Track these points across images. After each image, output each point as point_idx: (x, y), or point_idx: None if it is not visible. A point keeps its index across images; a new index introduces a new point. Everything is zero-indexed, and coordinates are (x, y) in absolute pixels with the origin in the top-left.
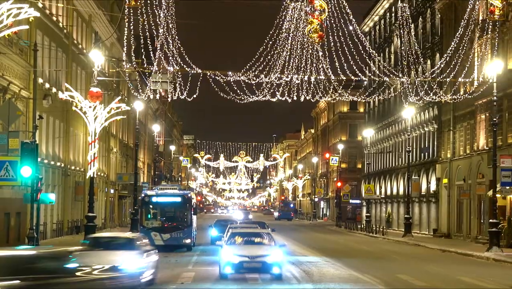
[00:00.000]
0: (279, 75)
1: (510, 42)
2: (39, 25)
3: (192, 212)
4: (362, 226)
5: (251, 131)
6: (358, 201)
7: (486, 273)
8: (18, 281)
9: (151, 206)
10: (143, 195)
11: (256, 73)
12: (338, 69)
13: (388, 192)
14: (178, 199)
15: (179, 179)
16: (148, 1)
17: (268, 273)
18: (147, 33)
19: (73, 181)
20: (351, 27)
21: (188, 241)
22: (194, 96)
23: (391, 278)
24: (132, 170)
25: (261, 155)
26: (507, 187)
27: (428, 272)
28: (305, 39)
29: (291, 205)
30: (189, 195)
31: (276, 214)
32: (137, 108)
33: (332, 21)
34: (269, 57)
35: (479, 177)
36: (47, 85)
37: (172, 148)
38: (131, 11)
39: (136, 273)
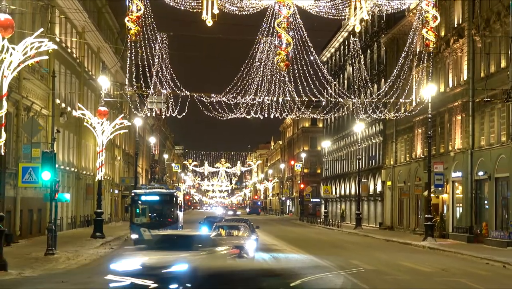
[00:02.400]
0: (253, 97)
1: (442, 70)
2: (57, 56)
3: (178, 209)
4: (321, 220)
5: (230, 143)
6: (317, 200)
7: (423, 258)
8: None
9: (140, 204)
10: (132, 194)
11: (234, 95)
12: (301, 92)
13: (342, 192)
14: (165, 198)
15: (171, 182)
16: (146, 36)
17: None
18: (145, 62)
19: (84, 183)
20: (312, 57)
21: None
22: (184, 114)
23: (345, 263)
24: (133, 174)
25: (238, 162)
26: (439, 188)
27: (375, 258)
28: (274, 67)
29: (259, 203)
30: (175, 194)
31: (247, 209)
32: (136, 123)
33: (296, 52)
34: (244, 82)
35: (417, 180)
36: (63, 105)
37: (165, 156)
38: (132, 44)
39: None
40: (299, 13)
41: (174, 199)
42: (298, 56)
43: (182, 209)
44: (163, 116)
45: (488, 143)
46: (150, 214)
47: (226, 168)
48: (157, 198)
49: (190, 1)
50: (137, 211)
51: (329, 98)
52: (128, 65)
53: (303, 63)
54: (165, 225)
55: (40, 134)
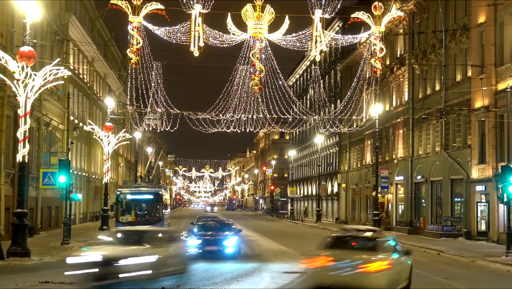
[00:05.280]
0: (232, 114)
1: (387, 92)
2: (71, 81)
3: (163, 208)
4: (288, 215)
5: (213, 152)
6: (285, 199)
7: None
8: None
9: (125, 203)
10: (117, 192)
11: (216, 113)
12: (272, 110)
13: (305, 193)
14: (150, 196)
15: (165, 184)
16: (144, 65)
17: None
18: (143, 86)
19: (94, 185)
20: (280, 82)
21: None
22: (175, 128)
23: (308, 250)
24: (133, 178)
25: (220, 168)
26: (385, 189)
27: None
28: (249, 90)
29: (233, 202)
30: (160, 192)
31: (225, 206)
32: (136, 136)
33: (268, 78)
34: (225, 102)
35: (366, 182)
36: (76, 121)
37: (160, 163)
38: (133, 71)
39: None
40: (270, 45)
41: (160, 198)
42: (269, 81)
43: (168, 208)
44: (158, 130)
45: (425, 152)
46: (135, 212)
47: (210, 172)
48: (141, 196)
49: (180, 36)
50: (122, 209)
51: (294, 115)
52: (129, 88)
53: (273, 86)
54: (150, 223)
55: (57, 145)
